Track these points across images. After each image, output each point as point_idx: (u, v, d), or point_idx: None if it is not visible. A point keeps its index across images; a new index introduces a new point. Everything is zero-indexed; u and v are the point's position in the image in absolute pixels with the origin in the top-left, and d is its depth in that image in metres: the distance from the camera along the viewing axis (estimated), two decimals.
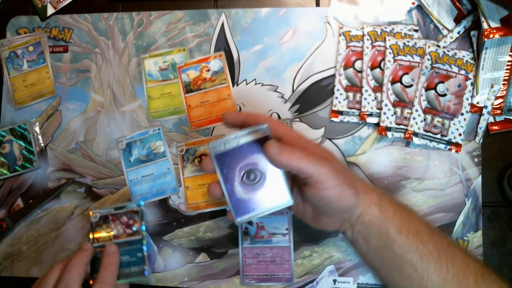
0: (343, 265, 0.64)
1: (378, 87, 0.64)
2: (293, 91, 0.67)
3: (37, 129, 0.71)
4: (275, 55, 0.68)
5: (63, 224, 0.69)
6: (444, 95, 0.63)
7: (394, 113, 0.63)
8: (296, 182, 0.51)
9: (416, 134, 0.63)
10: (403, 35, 0.65)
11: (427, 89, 0.63)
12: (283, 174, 0.48)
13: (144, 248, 0.61)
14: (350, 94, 0.65)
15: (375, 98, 0.64)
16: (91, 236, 0.62)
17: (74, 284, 0.54)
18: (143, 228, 0.62)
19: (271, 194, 0.48)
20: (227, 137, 0.48)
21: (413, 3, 0.65)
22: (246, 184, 0.48)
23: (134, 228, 0.62)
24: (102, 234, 0.62)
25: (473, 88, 0.63)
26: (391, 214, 0.49)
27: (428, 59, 0.63)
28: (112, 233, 0.62)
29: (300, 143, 0.48)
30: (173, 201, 0.67)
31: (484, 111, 0.62)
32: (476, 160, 0.63)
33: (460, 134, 0.62)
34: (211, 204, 0.66)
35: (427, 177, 0.63)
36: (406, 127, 0.63)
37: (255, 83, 0.68)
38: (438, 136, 0.63)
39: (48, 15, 0.73)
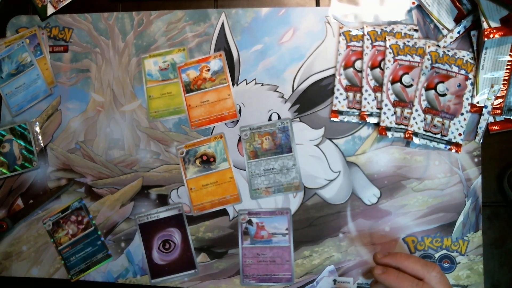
0: (343, 265, 0.64)
1: (378, 87, 0.64)
2: (293, 91, 0.67)
3: (37, 128, 0.71)
4: (275, 55, 0.68)
5: None
6: (444, 95, 0.63)
7: (394, 113, 0.63)
8: None
9: (416, 134, 0.63)
10: (403, 35, 0.65)
11: (427, 89, 0.63)
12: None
13: (99, 233, 0.67)
14: (350, 94, 0.65)
15: (375, 98, 0.64)
16: (52, 241, 0.68)
17: None
18: (91, 217, 0.68)
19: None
20: None
21: (413, 3, 0.65)
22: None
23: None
24: (61, 235, 0.68)
25: (473, 88, 0.63)
26: None
27: (428, 59, 0.63)
28: (69, 233, 0.68)
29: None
30: (173, 200, 0.67)
31: (484, 111, 0.62)
32: (476, 160, 0.63)
33: (460, 134, 0.62)
34: (216, 204, 0.66)
35: (427, 177, 0.63)
36: (406, 127, 0.63)
37: (255, 83, 0.68)
38: (438, 136, 0.63)
39: (48, 14, 0.73)
